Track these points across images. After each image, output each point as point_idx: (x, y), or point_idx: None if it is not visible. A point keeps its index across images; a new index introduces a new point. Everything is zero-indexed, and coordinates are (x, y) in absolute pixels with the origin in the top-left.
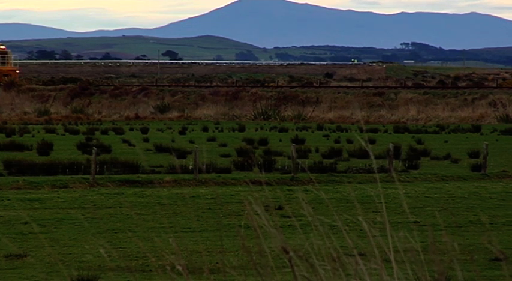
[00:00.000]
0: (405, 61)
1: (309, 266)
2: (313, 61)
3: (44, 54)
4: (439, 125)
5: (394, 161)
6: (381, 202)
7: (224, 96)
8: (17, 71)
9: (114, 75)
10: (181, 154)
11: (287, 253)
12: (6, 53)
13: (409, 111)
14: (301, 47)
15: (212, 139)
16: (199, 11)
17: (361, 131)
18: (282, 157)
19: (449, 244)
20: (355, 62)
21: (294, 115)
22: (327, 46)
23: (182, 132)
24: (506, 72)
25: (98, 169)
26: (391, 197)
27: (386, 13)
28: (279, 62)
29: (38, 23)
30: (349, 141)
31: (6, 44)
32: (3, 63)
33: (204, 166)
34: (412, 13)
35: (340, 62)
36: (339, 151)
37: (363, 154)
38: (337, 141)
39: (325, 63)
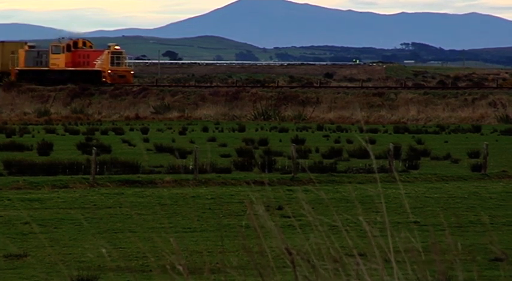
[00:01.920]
0: (405, 61)
1: (309, 267)
2: (313, 61)
3: None
4: (439, 125)
5: (394, 161)
6: (381, 202)
7: (224, 96)
8: (132, 72)
9: None
10: (182, 154)
11: (290, 254)
12: (120, 53)
13: (409, 112)
14: (301, 47)
15: (212, 139)
16: (199, 11)
17: (361, 131)
18: (282, 157)
19: (452, 244)
20: (357, 62)
21: (294, 115)
22: (327, 46)
23: (182, 132)
24: (506, 73)
25: (98, 169)
26: (391, 197)
27: (387, 13)
28: (279, 62)
29: (37, 23)
30: (349, 141)
31: None
32: (118, 64)
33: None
34: (412, 13)
35: (340, 62)
36: (339, 151)
37: (363, 154)
38: (337, 141)
39: (325, 63)
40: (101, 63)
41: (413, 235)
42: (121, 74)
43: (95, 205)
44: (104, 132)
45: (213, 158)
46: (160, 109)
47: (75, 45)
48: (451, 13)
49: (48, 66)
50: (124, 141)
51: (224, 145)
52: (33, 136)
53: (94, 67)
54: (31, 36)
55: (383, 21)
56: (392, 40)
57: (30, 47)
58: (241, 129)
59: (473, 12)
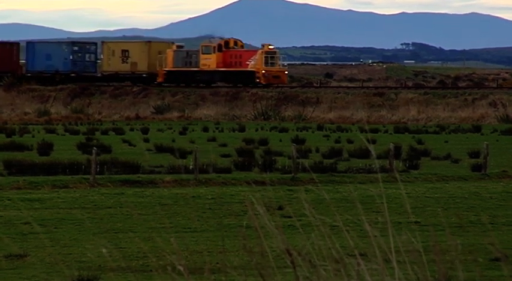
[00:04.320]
0: (405, 61)
1: (310, 267)
2: (313, 61)
3: None
4: (440, 125)
5: (394, 161)
6: (382, 202)
7: (224, 96)
8: (286, 72)
9: None
10: (182, 154)
11: (290, 255)
12: (275, 53)
13: (409, 112)
14: (301, 47)
15: (212, 139)
16: (200, 11)
17: (362, 131)
18: (282, 157)
19: (452, 244)
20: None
21: (294, 115)
22: (327, 46)
23: (182, 132)
24: (507, 72)
25: (98, 169)
26: (391, 198)
27: (387, 13)
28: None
29: (37, 23)
30: (349, 141)
31: None
32: (272, 64)
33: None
34: (412, 13)
35: (340, 62)
36: (340, 151)
37: (364, 154)
38: (337, 141)
39: (325, 63)
40: (254, 63)
41: (414, 235)
42: (275, 74)
43: (95, 205)
44: (104, 132)
45: (214, 158)
46: (160, 109)
47: (226, 45)
48: (451, 13)
49: (198, 67)
50: (124, 141)
51: (224, 145)
52: (33, 136)
53: (247, 68)
54: (32, 36)
55: (383, 21)
56: (392, 40)
57: (178, 47)
58: (242, 129)
59: (473, 12)
